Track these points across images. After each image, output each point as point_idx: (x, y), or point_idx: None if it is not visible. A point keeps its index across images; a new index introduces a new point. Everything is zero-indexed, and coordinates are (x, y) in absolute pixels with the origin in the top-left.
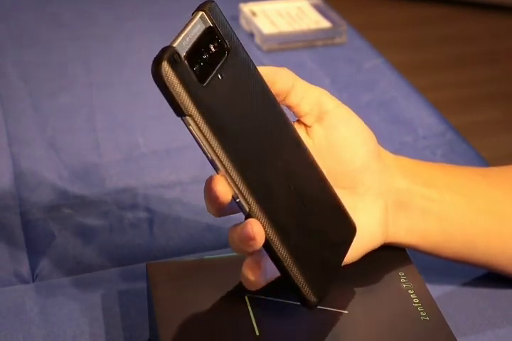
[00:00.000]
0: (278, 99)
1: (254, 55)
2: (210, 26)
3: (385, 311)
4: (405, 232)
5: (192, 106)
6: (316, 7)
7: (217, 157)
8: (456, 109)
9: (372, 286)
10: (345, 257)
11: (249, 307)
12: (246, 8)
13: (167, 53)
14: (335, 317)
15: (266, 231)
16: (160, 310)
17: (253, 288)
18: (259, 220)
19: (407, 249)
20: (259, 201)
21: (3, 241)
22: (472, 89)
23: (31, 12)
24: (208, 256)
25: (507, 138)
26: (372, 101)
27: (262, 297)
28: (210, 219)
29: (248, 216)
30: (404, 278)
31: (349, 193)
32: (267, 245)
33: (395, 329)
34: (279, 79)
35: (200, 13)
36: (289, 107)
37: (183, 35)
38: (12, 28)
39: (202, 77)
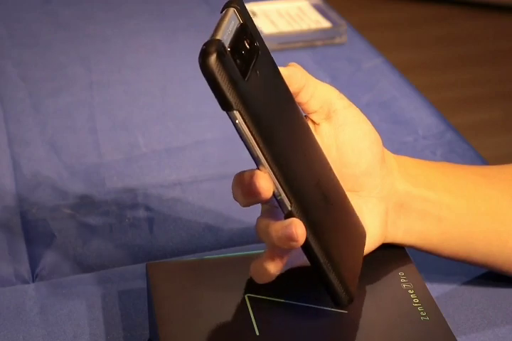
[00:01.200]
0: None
1: None
2: (242, 23)
3: (385, 311)
4: (404, 233)
5: (240, 100)
6: (316, 7)
7: (263, 153)
8: (456, 109)
9: (372, 286)
10: None
11: (249, 307)
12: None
13: (215, 46)
14: (335, 317)
15: (307, 232)
16: (160, 310)
17: (264, 281)
18: (300, 219)
19: (407, 249)
20: (299, 199)
21: (3, 241)
22: (472, 89)
23: (31, 12)
24: (208, 256)
25: (507, 138)
26: (372, 101)
27: (262, 297)
28: (210, 219)
29: (289, 214)
30: (404, 278)
31: (351, 195)
32: (306, 245)
33: (395, 329)
34: (294, 78)
35: (232, 9)
36: (299, 104)
37: (222, 29)
38: (12, 28)
39: (243, 72)
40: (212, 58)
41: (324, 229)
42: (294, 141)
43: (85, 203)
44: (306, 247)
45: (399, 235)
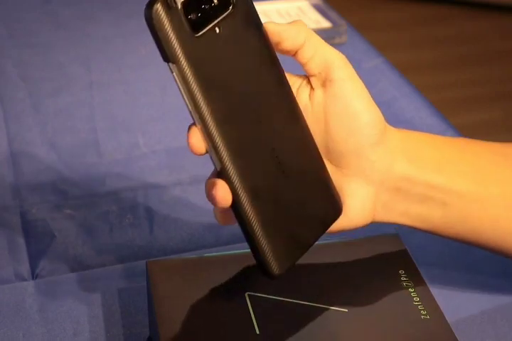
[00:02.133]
0: (288, 54)
1: None
2: None
3: (386, 310)
4: (399, 214)
5: (177, 53)
6: (316, 7)
7: (194, 107)
8: (456, 109)
9: (372, 285)
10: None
11: (250, 305)
12: None
13: None
14: (335, 316)
15: (234, 193)
16: (160, 308)
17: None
18: (228, 180)
19: (407, 248)
20: (233, 161)
21: (3, 241)
22: (472, 89)
23: (31, 12)
24: (208, 254)
25: (507, 138)
26: None
27: (263, 295)
28: (210, 219)
29: (218, 174)
30: (405, 277)
31: (336, 170)
32: (234, 207)
33: (396, 327)
34: (286, 36)
35: None
36: (301, 64)
37: None
38: (12, 28)
39: (197, 27)
40: (154, 9)
41: (262, 196)
42: (249, 104)
43: (85, 203)
44: (234, 210)
45: (393, 216)
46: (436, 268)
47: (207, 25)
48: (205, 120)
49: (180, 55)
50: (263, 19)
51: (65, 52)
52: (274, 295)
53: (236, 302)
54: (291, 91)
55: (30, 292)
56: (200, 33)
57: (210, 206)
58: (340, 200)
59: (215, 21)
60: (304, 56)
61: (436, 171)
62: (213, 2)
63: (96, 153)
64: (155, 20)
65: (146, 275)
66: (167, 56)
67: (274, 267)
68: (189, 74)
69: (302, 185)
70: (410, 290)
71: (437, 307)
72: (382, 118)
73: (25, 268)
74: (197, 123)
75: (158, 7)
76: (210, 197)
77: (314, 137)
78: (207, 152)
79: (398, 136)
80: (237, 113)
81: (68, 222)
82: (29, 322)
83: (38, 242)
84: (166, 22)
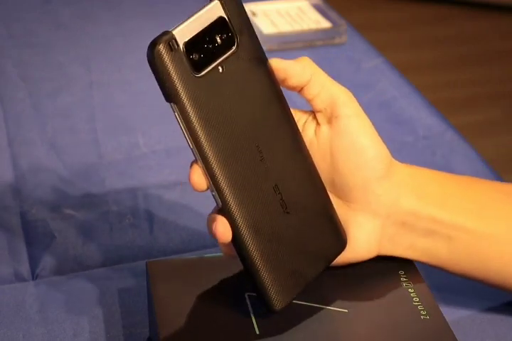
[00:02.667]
0: (294, 90)
1: None
2: (221, 16)
3: (385, 310)
4: (406, 249)
5: (178, 94)
6: (316, 7)
7: (196, 147)
8: (456, 109)
9: (372, 285)
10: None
11: (250, 306)
12: (246, 8)
13: (164, 38)
14: (335, 316)
15: (234, 229)
16: (160, 308)
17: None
18: (229, 216)
19: None
20: (233, 199)
21: (3, 241)
22: (472, 89)
23: (31, 12)
24: (208, 254)
25: (507, 138)
26: (372, 101)
27: None
28: None
29: (220, 211)
30: (404, 277)
31: (342, 204)
32: (234, 242)
33: (395, 328)
34: (292, 73)
35: (215, 1)
36: (307, 100)
37: (188, 22)
38: (12, 28)
39: (199, 67)
40: (156, 50)
41: (264, 233)
42: (251, 143)
43: (85, 203)
44: (234, 245)
45: (399, 250)
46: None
47: (209, 65)
48: (206, 159)
49: (181, 96)
50: (263, 19)
51: (65, 52)
52: None
53: (236, 303)
54: (296, 128)
55: (30, 292)
56: (203, 73)
57: (210, 206)
58: (344, 234)
59: (218, 61)
60: (310, 92)
61: (440, 206)
62: (216, 42)
63: (96, 153)
64: (157, 61)
65: (146, 276)
66: (168, 96)
67: (274, 303)
68: (190, 115)
69: (305, 220)
70: (410, 290)
71: (437, 307)
72: (388, 153)
73: (25, 268)
74: (198, 161)
75: (160, 48)
76: (211, 232)
77: (320, 172)
78: (208, 189)
79: (404, 171)
80: (239, 151)
81: (68, 222)
82: (29, 322)
83: (38, 242)
84: (167, 63)
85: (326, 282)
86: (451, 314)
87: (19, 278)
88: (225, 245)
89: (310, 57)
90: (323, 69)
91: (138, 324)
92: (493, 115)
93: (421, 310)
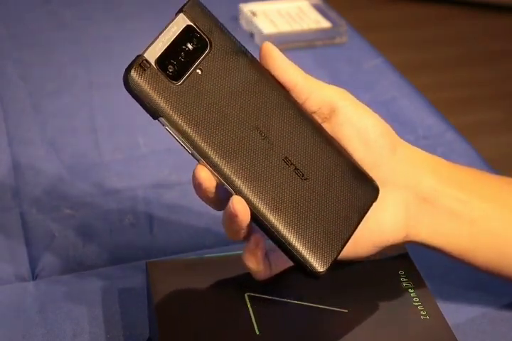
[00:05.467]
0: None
1: (254, 54)
2: (188, 25)
3: (385, 310)
4: (430, 233)
5: (160, 107)
6: (316, 7)
7: (195, 150)
8: (456, 109)
9: (372, 285)
10: (360, 252)
11: (250, 306)
12: (246, 8)
13: (134, 62)
14: (335, 317)
15: (253, 207)
16: (160, 309)
17: (259, 278)
18: (245, 198)
19: (407, 248)
20: (245, 184)
21: (3, 241)
22: (472, 89)
23: (31, 12)
24: (208, 254)
25: (507, 138)
26: (373, 101)
27: (263, 296)
28: (210, 219)
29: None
30: (404, 277)
31: None
32: (257, 222)
33: (395, 328)
34: (281, 78)
35: (179, 15)
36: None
37: (157, 40)
38: (12, 28)
39: (176, 76)
40: (129, 76)
41: (285, 203)
42: (247, 127)
43: (85, 203)
44: (257, 223)
45: (423, 234)
46: (435, 268)
47: (186, 72)
48: (208, 158)
49: (163, 108)
50: (263, 19)
51: (65, 52)
52: (274, 296)
53: (236, 303)
54: (293, 99)
55: (30, 292)
56: (182, 80)
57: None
58: (374, 182)
59: (194, 65)
60: (301, 97)
61: (458, 188)
62: (188, 49)
63: (96, 153)
64: (132, 85)
65: (146, 276)
66: (153, 113)
67: (316, 266)
68: (178, 123)
69: (326, 180)
70: (410, 290)
71: (437, 307)
72: (390, 128)
73: (25, 268)
74: (201, 162)
75: (132, 72)
76: (230, 215)
77: None
78: (219, 185)
79: (419, 151)
80: (238, 140)
81: (68, 222)
82: (29, 322)
83: (38, 242)
84: (142, 83)
85: (326, 282)
86: (451, 314)
87: (19, 278)
88: (244, 228)
89: (310, 57)
90: (323, 69)
91: (138, 324)
92: (493, 115)
93: (421, 310)
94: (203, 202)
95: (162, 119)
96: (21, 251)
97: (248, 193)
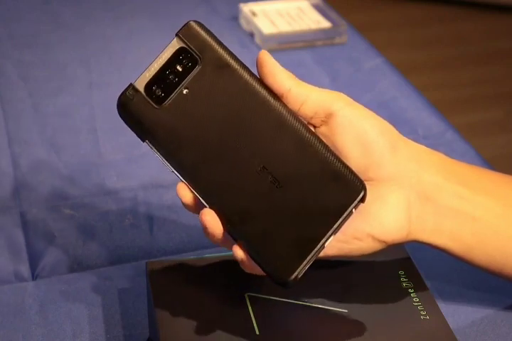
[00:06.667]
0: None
1: (254, 55)
2: (179, 48)
3: (385, 310)
4: (432, 231)
5: (146, 133)
6: (316, 7)
7: (174, 169)
8: (456, 109)
9: (372, 285)
10: (361, 250)
11: (250, 306)
12: (246, 8)
13: (126, 91)
14: (335, 317)
15: (223, 219)
16: (160, 309)
17: (247, 270)
18: (217, 212)
19: (407, 248)
20: (217, 197)
21: (3, 241)
22: (472, 89)
23: (31, 12)
24: (207, 254)
25: (507, 138)
26: (372, 101)
27: (262, 296)
28: None
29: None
30: (404, 277)
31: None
32: (229, 232)
33: (395, 328)
34: (274, 84)
35: (174, 39)
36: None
37: (148, 67)
38: (12, 28)
39: (162, 99)
40: (119, 104)
41: (253, 215)
42: (229, 144)
43: (85, 203)
44: (231, 235)
45: (426, 232)
46: (435, 268)
47: (172, 92)
48: (185, 177)
49: (149, 135)
50: (263, 19)
51: (65, 52)
52: (274, 296)
53: (236, 303)
54: (282, 107)
55: (30, 292)
56: (167, 102)
57: None
58: (359, 182)
59: (180, 85)
60: (295, 104)
61: (461, 184)
62: (177, 70)
63: (96, 153)
64: (121, 112)
65: (146, 276)
66: (140, 137)
67: (281, 275)
68: (160, 147)
69: (301, 185)
70: (410, 290)
71: (437, 307)
72: (391, 126)
73: (25, 268)
74: (181, 179)
75: (121, 99)
76: (203, 228)
77: None
78: (195, 203)
79: (422, 148)
80: (219, 154)
81: (68, 222)
82: (29, 323)
83: (38, 242)
84: (129, 110)
85: (326, 282)
86: (451, 314)
87: (19, 278)
88: (219, 238)
89: (310, 57)
90: (323, 69)
91: (138, 324)
92: (493, 115)
93: (421, 310)
94: None
95: (147, 143)
96: (21, 251)
97: (219, 206)
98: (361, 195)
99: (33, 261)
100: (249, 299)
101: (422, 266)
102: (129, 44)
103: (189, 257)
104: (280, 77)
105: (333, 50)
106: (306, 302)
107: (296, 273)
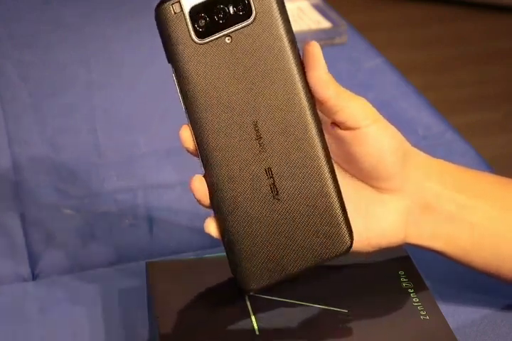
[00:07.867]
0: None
1: None
2: None
3: (385, 310)
4: (430, 236)
5: (175, 57)
6: (316, 7)
7: (186, 110)
8: (456, 109)
9: (372, 285)
10: (354, 251)
11: (249, 306)
12: None
13: (168, 1)
14: (335, 317)
15: (215, 202)
16: (159, 309)
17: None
18: (209, 184)
19: (407, 248)
20: (217, 168)
21: (3, 241)
22: (472, 89)
23: (31, 12)
24: (207, 254)
25: (507, 138)
26: (372, 101)
27: (262, 296)
28: None
29: (204, 177)
30: (404, 277)
31: (365, 186)
32: (214, 210)
33: (395, 328)
34: (315, 90)
35: None
36: (322, 113)
37: None
38: (12, 28)
39: (203, 34)
40: (159, 11)
41: (242, 213)
42: (246, 118)
43: (85, 203)
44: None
45: (424, 237)
46: (436, 268)
47: (215, 34)
48: (195, 124)
49: (176, 60)
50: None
51: (65, 52)
52: (274, 296)
53: (236, 303)
54: (312, 111)
55: (30, 292)
56: (206, 41)
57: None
58: (350, 235)
59: (226, 31)
60: (334, 109)
61: (459, 191)
62: (229, 12)
63: (96, 153)
64: (158, 21)
65: (146, 276)
66: (167, 57)
67: (246, 282)
68: (184, 77)
69: (297, 210)
70: (410, 290)
71: (437, 307)
72: (403, 139)
73: (25, 268)
74: (188, 124)
75: (162, 9)
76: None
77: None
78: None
79: (420, 154)
80: (231, 123)
81: (68, 222)
82: (29, 323)
83: (38, 242)
84: (167, 25)
85: (326, 282)
86: (451, 314)
87: (19, 278)
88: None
89: None
90: None
91: (138, 324)
92: (492, 115)
93: (421, 310)
94: None
95: (172, 67)
96: (21, 251)
97: (215, 180)
98: (346, 249)
99: (33, 261)
100: (249, 299)
101: (422, 266)
102: (129, 44)
103: (189, 257)
104: (324, 84)
105: (333, 50)
106: (306, 302)
107: (258, 288)
